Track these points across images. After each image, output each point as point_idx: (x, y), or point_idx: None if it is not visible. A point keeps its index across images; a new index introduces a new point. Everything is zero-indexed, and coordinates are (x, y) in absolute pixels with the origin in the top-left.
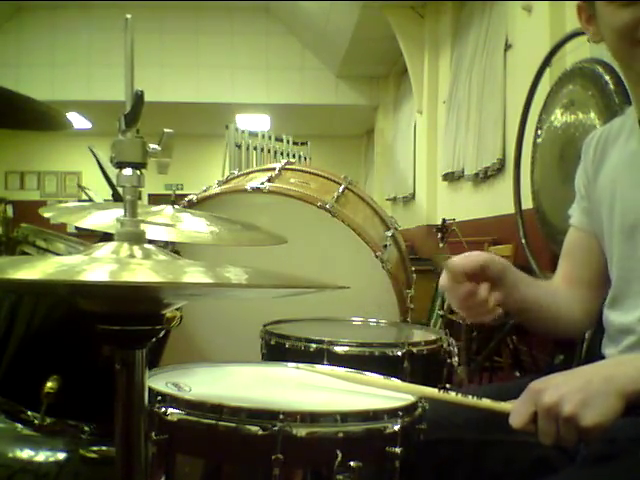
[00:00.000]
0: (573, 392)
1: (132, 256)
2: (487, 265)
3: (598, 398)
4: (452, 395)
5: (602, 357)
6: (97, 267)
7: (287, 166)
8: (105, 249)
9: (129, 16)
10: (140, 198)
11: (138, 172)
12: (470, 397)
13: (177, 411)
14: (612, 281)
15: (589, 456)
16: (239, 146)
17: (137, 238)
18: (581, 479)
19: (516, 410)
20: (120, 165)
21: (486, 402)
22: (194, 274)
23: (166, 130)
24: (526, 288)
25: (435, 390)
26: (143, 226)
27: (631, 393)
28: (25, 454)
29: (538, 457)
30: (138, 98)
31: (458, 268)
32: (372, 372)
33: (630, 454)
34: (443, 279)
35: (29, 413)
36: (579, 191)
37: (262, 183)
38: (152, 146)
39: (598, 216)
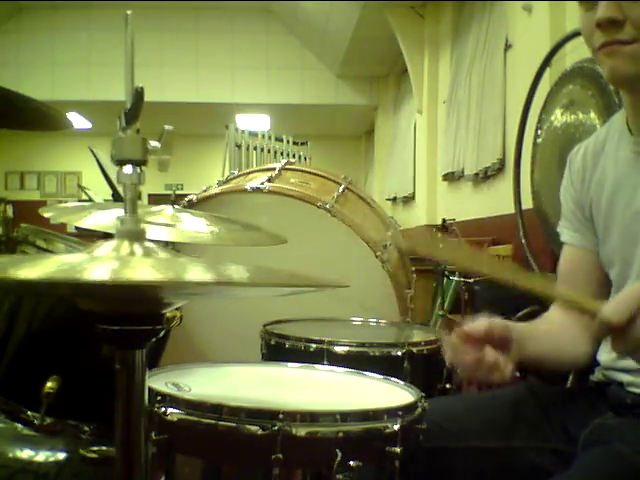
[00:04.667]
0: None
1: (133, 254)
2: (491, 330)
3: None
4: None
5: (597, 363)
6: (98, 265)
7: (287, 166)
8: (105, 247)
9: (129, 12)
10: (140, 198)
11: (138, 169)
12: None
13: (177, 411)
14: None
15: (584, 460)
16: (239, 146)
17: (137, 236)
18: None
19: (619, 306)
20: (120, 162)
21: (575, 296)
22: (196, 272)
23: (166, 127)
24: (528, 344)
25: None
26: (143, 226)
27: None
28: (25, 454)
29: (534, 463)
30: (138, 95)
31: (465, 334)
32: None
33: (625, 457)
34: (451, 349)
35: (29, 413)
36: (567, 206)
37: (262, 183)
38: (152, 143)
39: (592, 229)
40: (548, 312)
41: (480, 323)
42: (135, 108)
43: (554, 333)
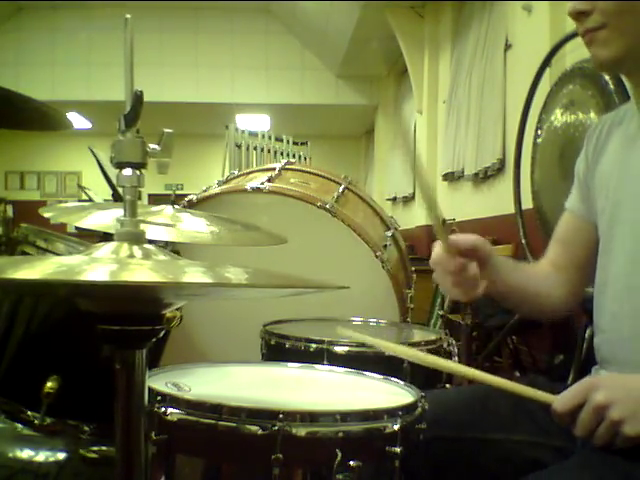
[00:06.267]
0: (627, 400)
1: (132, 256)
2: (477, 246)
3: None
4: (496, 379)
5: (595, 362)
6: (97, 267)
7: (287, 166)
8: (105, 249)
9: (129, 16)
10: (140, 198)
11: (138, 172)
12: (514, 383)
13: (177, 411)
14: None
15: (582, 455)
16: (239, 146)
17: (137, 238)
18: (571, 474)
19: (565, 396)
20: (120, 165)
21: (528, 390)
22: (194, 274)
23: (166, 130)
24: (510, 273)
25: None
26: (143, 226)
27: None
28: (25, 454)
29: (534, 457)
30: (137, 98)
31: (453, 242)
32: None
33: (622, 453)
34: (436, 254)
35: (29, 413)
36: (578, 176)
37: (262, 183)
38: (152, 146)
39: (594, 202)
40: (540, 261)
41: (468, 237)
42: (135, 111)
43: (533, 272)
